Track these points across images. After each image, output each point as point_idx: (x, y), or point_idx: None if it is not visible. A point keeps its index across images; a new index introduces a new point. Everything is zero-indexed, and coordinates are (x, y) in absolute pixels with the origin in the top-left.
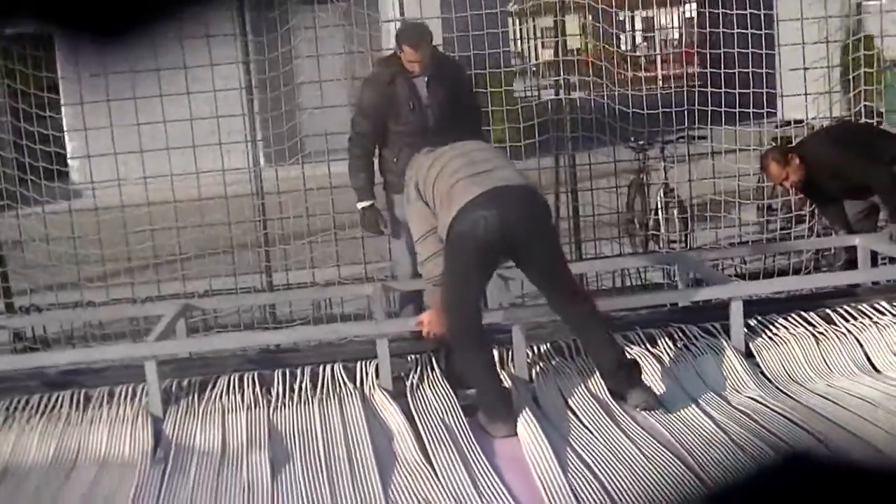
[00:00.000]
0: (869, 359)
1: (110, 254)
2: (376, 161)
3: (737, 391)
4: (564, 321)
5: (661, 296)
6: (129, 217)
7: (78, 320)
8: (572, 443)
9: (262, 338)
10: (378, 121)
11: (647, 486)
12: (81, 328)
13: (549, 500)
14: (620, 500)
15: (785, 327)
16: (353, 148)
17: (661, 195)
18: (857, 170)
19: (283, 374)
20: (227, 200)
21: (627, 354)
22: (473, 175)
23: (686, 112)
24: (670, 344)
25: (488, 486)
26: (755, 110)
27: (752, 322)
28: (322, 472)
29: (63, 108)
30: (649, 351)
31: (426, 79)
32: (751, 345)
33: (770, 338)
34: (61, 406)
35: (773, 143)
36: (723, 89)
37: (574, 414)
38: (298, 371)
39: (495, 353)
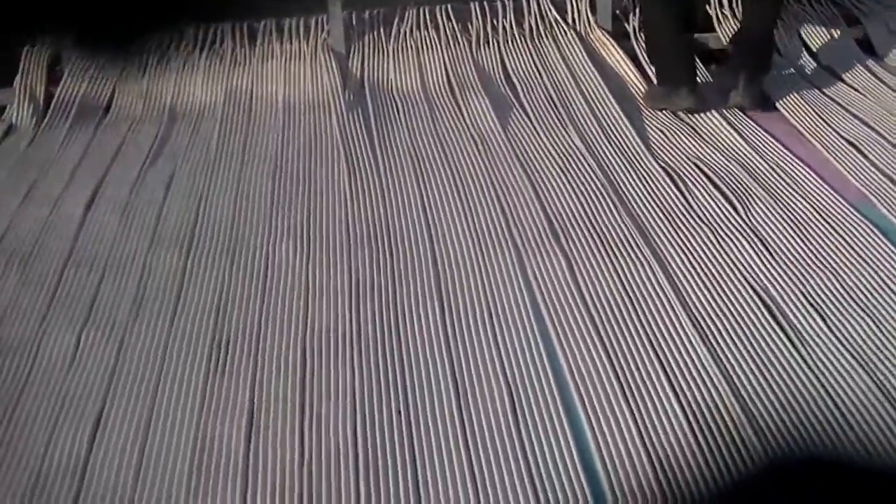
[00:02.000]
0: None
1: None
2: None
3: None
4: None
5: None
6: None
7: None
8: (846, 107)
9: None
10: None
11: None
12: None
13: (852, 175)
14: None
15: None
16: None
17: None
18: None
19: (482, 8)
20: None
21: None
22: None
23: None
24: None
25: (765, 147)
26: None
27: None
28: (560, 116)
29: None
30: None
31: None
32: None
33: None
34: (222, 41)
35: None
36: None
37: (838, 76)
38: (498, 5)
39: None
